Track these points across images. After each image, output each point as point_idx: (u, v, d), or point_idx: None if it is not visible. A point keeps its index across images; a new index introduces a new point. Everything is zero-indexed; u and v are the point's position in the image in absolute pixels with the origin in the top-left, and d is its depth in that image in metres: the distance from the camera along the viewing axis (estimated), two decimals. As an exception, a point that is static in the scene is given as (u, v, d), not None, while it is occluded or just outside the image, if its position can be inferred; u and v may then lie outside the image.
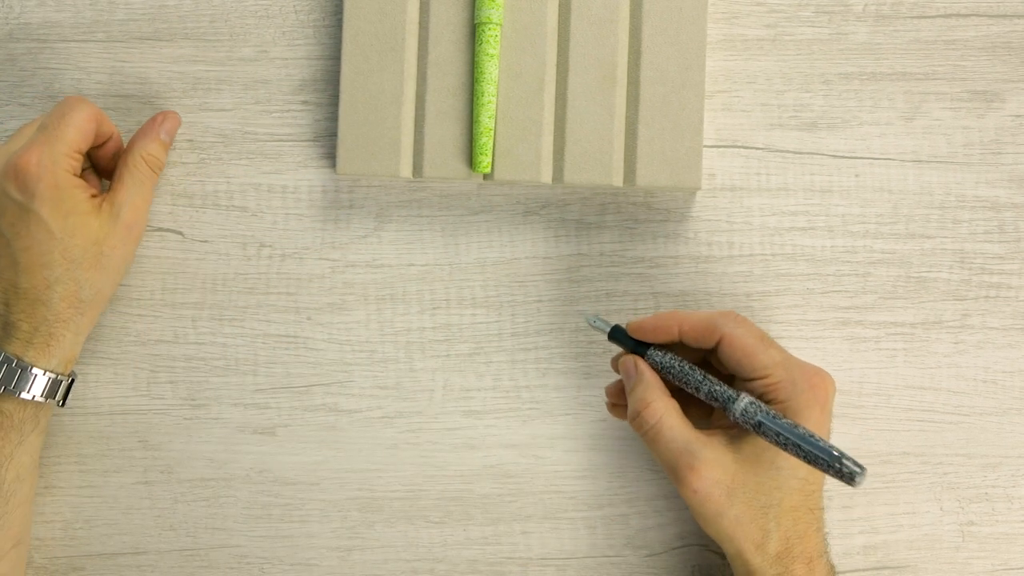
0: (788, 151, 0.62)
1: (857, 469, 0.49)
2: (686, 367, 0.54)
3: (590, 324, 0.57)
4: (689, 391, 0.55)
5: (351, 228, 0.62)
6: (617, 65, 0.60)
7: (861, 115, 0.62)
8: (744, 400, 0.52)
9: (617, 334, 0.56)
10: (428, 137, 0.60)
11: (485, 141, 0.59)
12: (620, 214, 0.62)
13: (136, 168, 0.59)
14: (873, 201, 0.62)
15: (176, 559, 0.61)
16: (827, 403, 0.54)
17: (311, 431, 0.61)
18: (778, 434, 0.51)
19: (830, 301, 0.61)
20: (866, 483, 0.60)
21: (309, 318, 0.62)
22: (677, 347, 0.56)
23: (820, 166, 0.62)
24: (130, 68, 0.63)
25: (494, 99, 0.59)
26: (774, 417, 0.51)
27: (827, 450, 0.50)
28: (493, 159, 0.60)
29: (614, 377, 0.58)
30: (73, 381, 0.58)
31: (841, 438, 0.60)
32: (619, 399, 0.57)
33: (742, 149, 0.62)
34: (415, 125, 0.60)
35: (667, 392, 0.54)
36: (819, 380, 0.54)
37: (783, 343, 0.60)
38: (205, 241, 0.62)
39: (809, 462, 0.50)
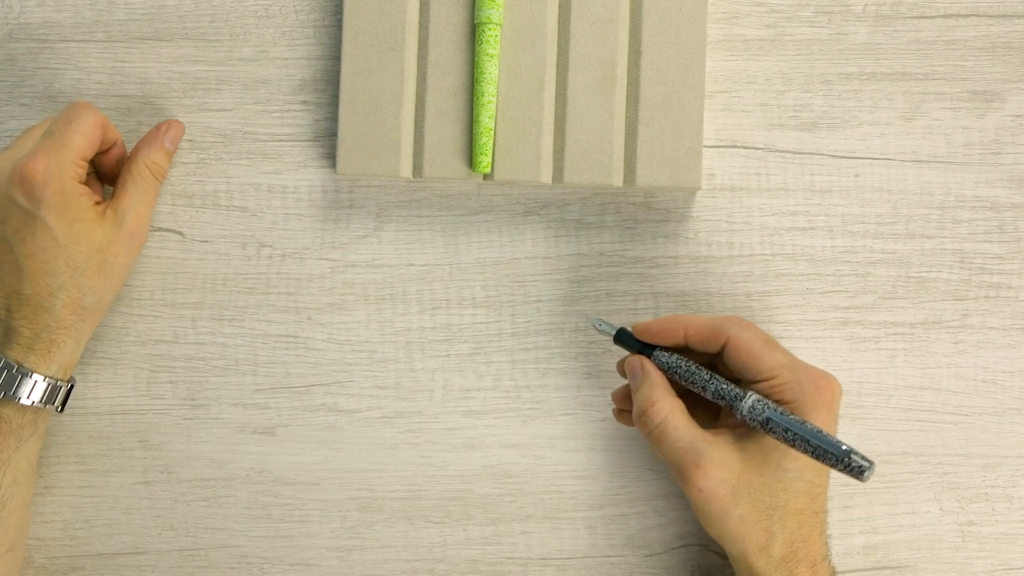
0: (788, 151, 0.62)
1: (866, 464, 0.49)
2: (692, 367, 0.54)
3: (595, 327, 0.57)
4: (696, 390, 0.54)
5: (351, 228, 0.62)
6: (617, 65, 0.60)
7: (861, 115, 0.62)
8: (751, 397, 0.52)
9: (623, 336, 0.56)
10: (428, 137, 0.60)
11: (485, 141, 0.59)
12: (620, 214, 0.62)
13: (140, 176, 0.59)
14: (873, 201, 0.62)
15: (176, 559, 0.61)
16: (833, 405, 0.54)
17: (311, 431, 0.61)
18: (786, 430, 0.51)
19: (830, 301, 0.61)
20: (866, 483, 0.60)
21: (309, 318, 0.62)
22: (682, 352, 0.56)
23: (820, 166, 0.62)
24: (130, 68, 0.63)
25: (494, 99, 0.59)
26: (782, 413, 0.51)
27: (836, 445, 0.50)
28: (493, 159, 0.60)
29: (617, 378, 0.58)
30: (72, 387, 0.58)
31: (841, 438, 0.60)
32: (626, 404, 0.57)
33: (742, 149, 0.62)
34: (415, 125, 0.60)
35: (673, 391, 0.54)
36: (825, 383, 0.54)
37: (783, 343, 0.60)
38: (205, 241, 0.62)
39: (817, 457, 0.50)
